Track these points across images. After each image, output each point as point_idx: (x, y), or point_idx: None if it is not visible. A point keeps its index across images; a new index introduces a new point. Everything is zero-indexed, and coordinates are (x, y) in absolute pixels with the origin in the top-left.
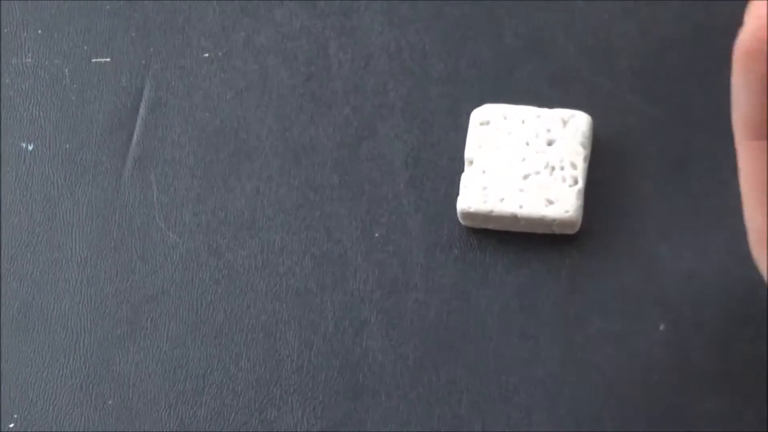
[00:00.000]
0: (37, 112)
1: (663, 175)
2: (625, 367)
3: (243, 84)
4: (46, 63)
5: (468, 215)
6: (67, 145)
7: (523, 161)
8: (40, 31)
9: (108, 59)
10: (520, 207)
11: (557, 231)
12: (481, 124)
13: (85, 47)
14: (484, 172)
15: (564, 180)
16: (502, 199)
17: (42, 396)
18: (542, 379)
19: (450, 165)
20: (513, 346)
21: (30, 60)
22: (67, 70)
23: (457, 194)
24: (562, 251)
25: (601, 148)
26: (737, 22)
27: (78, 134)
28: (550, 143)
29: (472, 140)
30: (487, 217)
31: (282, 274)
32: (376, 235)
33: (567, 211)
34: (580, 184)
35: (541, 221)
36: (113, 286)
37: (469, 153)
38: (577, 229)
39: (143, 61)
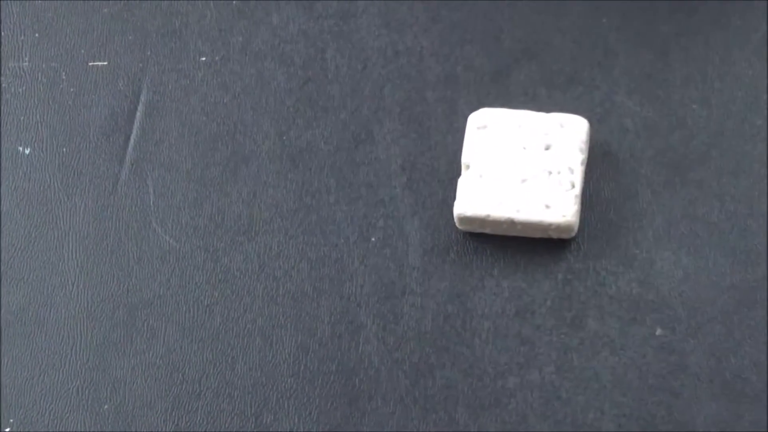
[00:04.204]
0: (33, 116)
1: (660, 179)
2: (621, 372)
3: (240, 88)
4: (43, 66)
5: (465, 219)
6: (64, 149)
7: (521, 165)
8: (37, 35)
9: (105, 63)
10: (517, 211)
11: (554, 235)
12: (479, 128)
13: (82, 51)
14: (481, 176)
15: (561, 184)
16: (499, 204)
17: (38, 400)
18: (538, 384)
19: (447, 169)
20: (509, 351)
21: (27, 63)
22: (64, 73)
23: (454, 198)
24: (558, 255)
25: (598, 152)
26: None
27: (75, 138)
28: (547, 147)
29: (469, 144)
30: (484, 221)
31: (278, 278)
32: (373, 239)
33: (564, 216)
34: (578, 189)
35: (538, 226)
36: (109, 290)
37: (466, 157)
38: (574, 233)
39: (140, 65)
